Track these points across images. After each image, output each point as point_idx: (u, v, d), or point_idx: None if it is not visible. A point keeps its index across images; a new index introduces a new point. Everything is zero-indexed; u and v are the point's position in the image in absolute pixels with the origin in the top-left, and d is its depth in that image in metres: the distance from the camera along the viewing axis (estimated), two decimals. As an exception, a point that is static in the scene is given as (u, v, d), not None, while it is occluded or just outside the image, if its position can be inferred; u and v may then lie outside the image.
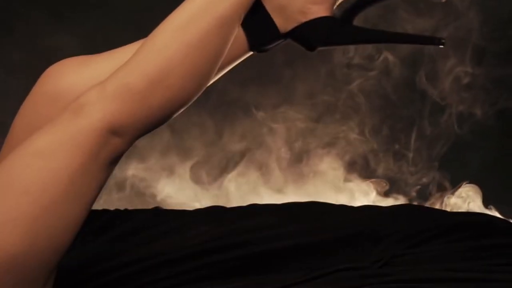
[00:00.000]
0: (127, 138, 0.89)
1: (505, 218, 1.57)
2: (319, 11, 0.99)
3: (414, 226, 1.31)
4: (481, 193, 1.90)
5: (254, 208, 1.54)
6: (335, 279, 1.08)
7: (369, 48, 1.97)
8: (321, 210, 1.50)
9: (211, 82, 0.96)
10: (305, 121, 2.07)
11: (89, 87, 0.90)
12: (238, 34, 1.01)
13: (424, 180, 2.03)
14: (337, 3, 1.01)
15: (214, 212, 1.52)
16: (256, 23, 1.01)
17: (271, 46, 1.03)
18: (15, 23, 2.06)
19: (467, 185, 1.92)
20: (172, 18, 0.94)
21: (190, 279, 1.16)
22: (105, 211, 1.49)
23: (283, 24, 1.01)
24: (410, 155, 2.04)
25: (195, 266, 1.18)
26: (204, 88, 0.95)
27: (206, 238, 1.30)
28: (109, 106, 0.87)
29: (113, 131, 0.87)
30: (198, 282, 1.15)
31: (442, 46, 0.97)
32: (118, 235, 1.33)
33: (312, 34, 1.00)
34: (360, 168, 2.06)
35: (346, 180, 2.04)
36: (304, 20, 1.00)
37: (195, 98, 0.95)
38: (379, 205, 1.91)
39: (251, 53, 1.04)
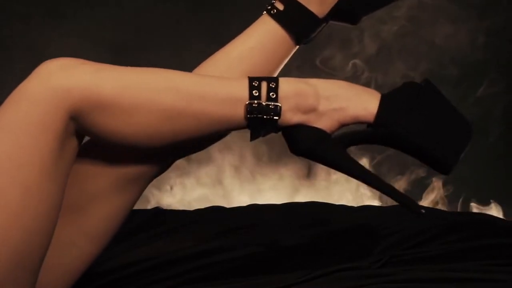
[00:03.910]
0: (79, 127, 0.89)
1: (506, 218, 1.57)
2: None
3: (414, 226, 1.31)
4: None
5: (253, 208, 1.54)
6: (335, 279, 1.08)
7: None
8: (321, 210, 1.50)
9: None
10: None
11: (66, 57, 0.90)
12: (281, 34, 1.02)
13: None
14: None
15: (214, 212, 1.52)
16: (294, 18, 1.01)
17: (315, 34, 1.04)
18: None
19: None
20: (181, 77, 0.92)
21: (190, 279, 1.16)
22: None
23: (319, 9, 1.01)
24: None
25: (195, 266, 1.18)
26: (153, 150, 0.94)
27: (206, 238, 1.30)
28: (75, 92, 0.87)
29: (71, 115, 0.87)
30: (198, 282, 1.15)
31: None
32: (119, 235, 1.33)
33: (355, 4, 1.01)
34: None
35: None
36: None
37: (141, 149, 0.94)
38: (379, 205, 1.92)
39: (297, 47, 1.05)
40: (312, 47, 1.01)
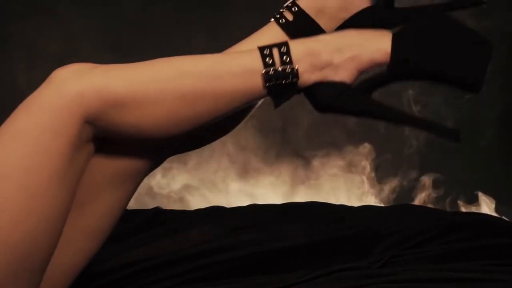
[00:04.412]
0: (97, 130, 0.89)
1: (505, 218, 1.57)
2: (360, 4, 0.99)
3: (414, 226, 1.31)
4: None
5: (254, 208, 1.54)
6: (335, 279, 1.08)
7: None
8: (321, 210, 1.50)
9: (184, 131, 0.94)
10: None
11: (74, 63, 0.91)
12: None
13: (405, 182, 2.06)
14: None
15: (214, 212, 1.52)
16: (302, 31, 1.01)
17: None
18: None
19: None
20: (189, 60, 0.92)
21: (190, 279, 1.16)
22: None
23: (327, 24, 1.01)
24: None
25: (195, 266, 1.18)
26: (176, 136, 0.93)
27: (206, 238, 1.30)
28: (88, 94, 0.87)
29: (86, 118, 0.88)
30: (198, 282, 1.15)
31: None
32: (118, 235, 1.33)
33: (364, 23, 1.00)
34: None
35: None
36: (347, 16, 1.01)
37: (164, 138, 0.94)
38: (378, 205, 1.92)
39: None
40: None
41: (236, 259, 1.21)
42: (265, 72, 0.91)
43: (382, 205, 2.00)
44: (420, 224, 1.32)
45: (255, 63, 0.91)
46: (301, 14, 1.01)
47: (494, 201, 1.89)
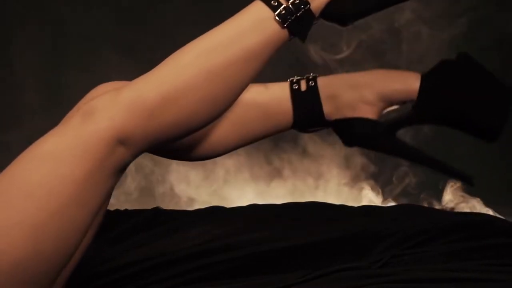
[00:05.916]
0: (133, 149, 0.89)
1: (505, 218, 1.57)
2: (367, 112, 1.01)
3: (414, 226, 1.31)
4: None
5: (254, 208, 1.54)
6: (335, 279, 1.08)
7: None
8: (321, 210, 1.50)
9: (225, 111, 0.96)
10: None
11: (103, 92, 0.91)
12: (286, 110, 1.03)
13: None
14: (386, 110, 1.03)
15: (214, 212, 1.52)
16: (306, 106, 1.02)
17: (312, 130, 1.05)
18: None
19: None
20: (201, 40, 0.93)
21: (190, 279, 1.16)
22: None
23: (330, 112, 1.03)
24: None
25: (195, 266, 1.18)
26: (218, 117, 0.94)
27: (206, 238, 1.30)
28: (119, 116, 0.87)
29: (120, 140, 0.87)
30: (198, 282, 1.15)
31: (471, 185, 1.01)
32: (118, 235, 1.33)
33: (353, 132, 1.02)
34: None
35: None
36: (350, 115, 1.01)
37: (208, 124, 0.94)
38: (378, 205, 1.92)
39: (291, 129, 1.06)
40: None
41: (236, 259, 1.21)
42: (276, 14, 0.92)
43: (381, 204, 2.00)
44: (420, 224, 1.32)
45: (263, 11, 0.92)
46: (313, 91, 1.02)
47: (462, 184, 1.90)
